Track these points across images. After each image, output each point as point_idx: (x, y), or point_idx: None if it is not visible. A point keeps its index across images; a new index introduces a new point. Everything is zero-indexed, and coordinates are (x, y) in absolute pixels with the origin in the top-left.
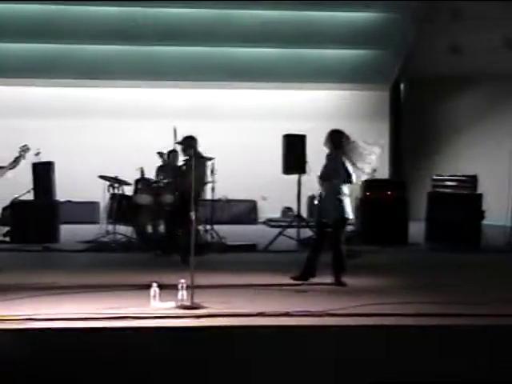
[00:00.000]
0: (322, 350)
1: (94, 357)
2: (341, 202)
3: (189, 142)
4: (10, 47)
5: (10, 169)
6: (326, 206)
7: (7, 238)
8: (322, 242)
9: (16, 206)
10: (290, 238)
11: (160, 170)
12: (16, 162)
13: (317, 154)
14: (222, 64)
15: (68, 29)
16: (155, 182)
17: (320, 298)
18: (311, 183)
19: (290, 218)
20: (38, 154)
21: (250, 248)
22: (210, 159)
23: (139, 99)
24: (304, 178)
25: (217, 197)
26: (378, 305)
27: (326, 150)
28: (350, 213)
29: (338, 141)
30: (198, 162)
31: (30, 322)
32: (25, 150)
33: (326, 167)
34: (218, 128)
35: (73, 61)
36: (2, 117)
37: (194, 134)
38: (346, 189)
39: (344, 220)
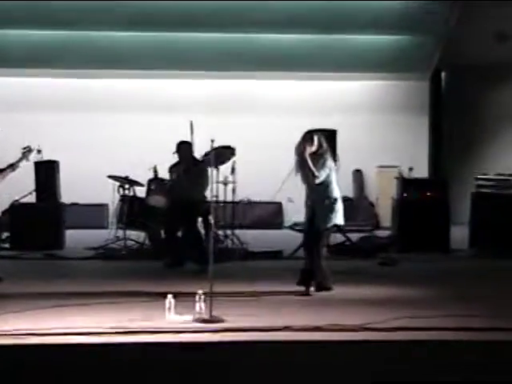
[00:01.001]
0: (357, 368)
1: (102, 376)
2: (332, 208)
3: (184, 148)
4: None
5: (11, 171)
6: (318, 212)
7: (7, 245)
8: (312, 244)
9: (16, 209)
10: None
11: (174, 168)
12: (17, 163)
13: (349, 151)
14: (245, 52)
15: (76, 14)
16: (170, 182)
17: (353, 311)
18: (342, 183)
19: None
20: (39, 151)
21: (275, 255)
22: (231, 150)
23: (153, 91)
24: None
25: (238, 199)
26: (417, 318)
27: (358, 147)
28: (341, 218)
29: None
30: (195, 169)
31: (31, 337)
32: (28, 151)
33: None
34: (240, 123)
35: (80, 49)
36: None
37: (187, 140)
38: (338, 191)
39: (333, 227)
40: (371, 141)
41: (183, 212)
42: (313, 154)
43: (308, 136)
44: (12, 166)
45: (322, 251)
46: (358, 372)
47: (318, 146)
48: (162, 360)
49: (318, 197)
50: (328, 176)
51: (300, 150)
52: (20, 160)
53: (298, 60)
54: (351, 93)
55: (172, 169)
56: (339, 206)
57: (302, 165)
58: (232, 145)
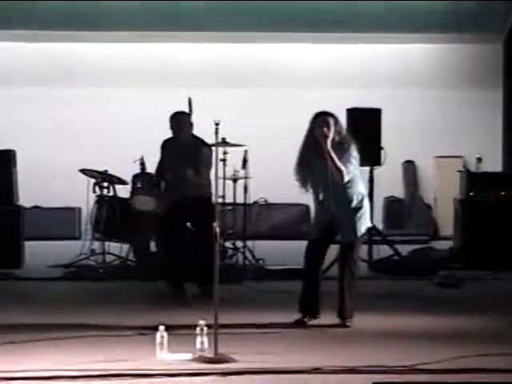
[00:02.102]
0: None
1: None
2: (362, 211)
3: (177, 120)
4: None
5: None
6: (344, 218)
7: None
8: (319, 266)
9: None
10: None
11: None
12: None
13: (397, 137)
14: (259, 8)
15: None
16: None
17: (399, 346)
18: (389, 179)
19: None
20: None
21: (299, 274)
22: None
23: (141, 57)
24: (378, 171)
25: (252, 200)
26: (486, 356)
27: (410, 131)
28: (368, 220)
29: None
30: (195, 148)
31: None
32: None
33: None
34: (253, 99)
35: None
36: None
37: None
38: (362, 184)
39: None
40: (427, 123)
41: (180, 213)
42: (333, 147)
43: (321, 119)
44: None
45: (356, 270)
46: None
47: (336, 131)
48: None
49: (342, 199)
50: (355, 167)
51: (311, 140)
52: None
53: (330, 18)
54: (400, 59)
55: (164, 146)
56: (367, 206)
57: (316, 160)
58: (243, 130)
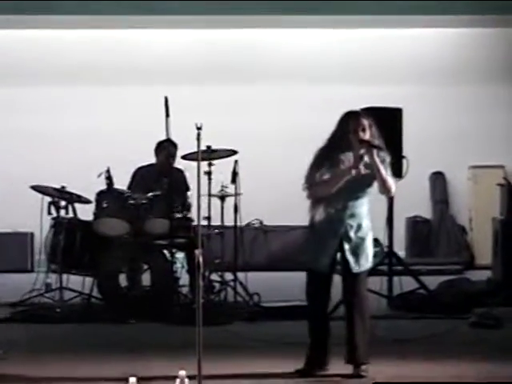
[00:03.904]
0: None
1: None
2: (370, 235)
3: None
4: None
5: None
6: (354, 245)
7: None
8: (326, 305)
9: None
10: (376, 293)
11: (142, 173)
12: None
13: (423, 142)
14: None
15: None
16: (132, 195)
17: None
18: (413, 194)
19: (375, 257)
20: None
21: (302, 312)
22: (228, 153)
23: (110, 46)
24: (400, 184)
25: (244, 221)
26: None
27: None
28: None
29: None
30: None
31: None
32: None
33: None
34: (247, 97)
35: None
36: None
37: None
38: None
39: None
40: (458, 125)
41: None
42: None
43: (355, 118)
44: None
45: (367, 306)
46: None
47: (371, 133)
48: None
49: (353, 220)
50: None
51: (341, 143)
52: None
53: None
54: (426, 47)
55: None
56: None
57: (340, 169)
58: (232, 135)
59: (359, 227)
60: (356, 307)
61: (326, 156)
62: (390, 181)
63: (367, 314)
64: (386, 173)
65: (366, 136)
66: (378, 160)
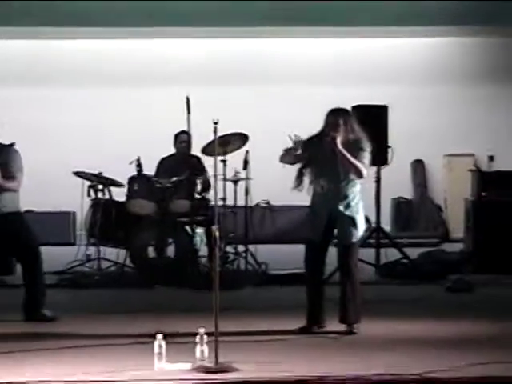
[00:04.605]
0: None
1: None
2: (359, 213)
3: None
4: None
5: None
6: (340, 220)
7: None
8: (322, 272)
9: None
10: (366, 262)
11: (167, 162)
12: None
13: (405, 135)
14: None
15: None
16: (158, 180)
17: (409, 354)
18: (396, 179)
19: (365, 232)
20: None
21: (302, 279)
22: (242, 139)
23: (136, 55)
24: (386, 170)
25: (253, 202)
26: (497, 364)
27: (419, 129)
28: (364, 222)
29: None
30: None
31: None
32: None
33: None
34: (255, 97)
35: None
36: None
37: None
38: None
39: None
40: (436, 120)
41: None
42: (346, 144)
43: (332, 115)
44: None
45: (357, 272)
46: None
47: (347, 130)
48: None
49: (341, 200)
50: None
51: (321, 136)
52: None
53: (332, 10)
54: (408, 53)
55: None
56: (362, 209)
57: (319, 156)
58: (244, 130)
59: (348, 205)
60: (347, 274)
61: (310, 142)
62: (360, 166)
63: (357, 280)
64: (353, 159)
65: (340, 129)
66: (341, 149)
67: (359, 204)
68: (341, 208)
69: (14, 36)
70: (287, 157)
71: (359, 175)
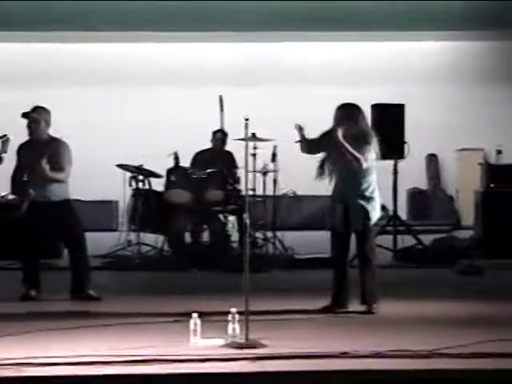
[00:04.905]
0: None
1: None
2: (372, 200)
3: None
4: None
5: None
6: (353, 207)
7: None
8: (344, 256)
9: (3, 207)
10: (384, 247)
11: (201, 155)
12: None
13: (420, 131)
14: (286, 8)
15: None
16: (194, 172)
17: (423, 332)
18: (412, 171)
19: (383, 220)
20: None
21: (327, 263)
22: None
23: (174, 57)
24: (402, 164)
25: (281, 192)
26: (506, 341)
27: (433, 126)
28: (379, 209)
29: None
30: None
31: (24, 368)
32: (5, 140)
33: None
34: (282, 96)
35: (83, 6)
36: None
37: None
38: (375, 175)
39: (373, 223)
40: (449, 117)
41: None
42: (350, 137)
43: (338, 111)
44: None
45: (373, 257)
46: None
47: (353, 123)
48: None
49: (355, 189)
50: (371, 161)
51: (330, 130)
52: (2, 150)
53: (352, 15)
54: (423, 56)
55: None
56: (378, 198)
57: (330, 149)
58: (271, 124)
59: (362, 194)
60: (364, 259)
61: (326, 135)
62: (359, 157)
63: (373, 264)
64: (352, 150)
65: (344, 123)
66: (341, 140)
67: (374, 192)
68: (354, 196)
69: (80, 40)
70: (301, 147)
71: (358, 165)
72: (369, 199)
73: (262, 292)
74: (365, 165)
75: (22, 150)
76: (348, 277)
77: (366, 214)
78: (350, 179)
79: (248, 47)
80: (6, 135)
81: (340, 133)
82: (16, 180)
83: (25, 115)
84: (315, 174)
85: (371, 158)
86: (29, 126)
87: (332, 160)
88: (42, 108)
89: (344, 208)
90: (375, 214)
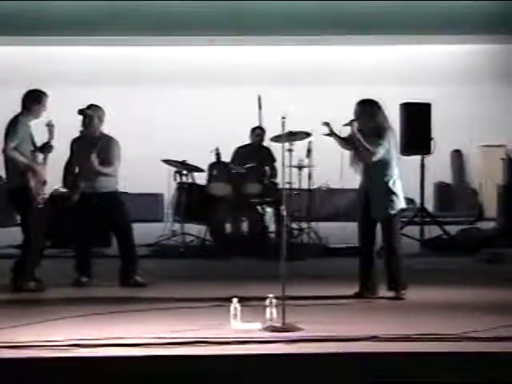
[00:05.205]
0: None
1: None
2: (393, 192)
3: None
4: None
5: (48, 152)
6: (375, 198)
7: (47, 242)
8: (371, 244)
9: (56, 199)
10: (411, 237)
11: (241, 151)
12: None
13: (446, 128)
14: (321, 14)
15: None
16: (234, 166)
17: (450, 317)
18: (438, 166)
19: (411, 211)
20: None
21: (357, 251)
22: (307, 135)
23: (215, 60)
24: (429, 159)
25: (315, 186)
26: None
27: (458, 123)
28: (403, 201)
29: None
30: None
31: (73, 349)
32: (51, 126)
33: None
34: (316, 95)
35: (132, 12)
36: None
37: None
38: (396, 169)
39: (398, 214)
40: (473, 115)
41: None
42: (367, 130)
43: (356, 108)
44: (49, 147)
45: (398, 246)
46: None
47: (368, 118)
48: (226, 374)
49: (376, 180)
50: (387, 152)
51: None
52: (51, 137)
53: (381, 20)
54: (449, 58)
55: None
56: (400, 189)
57: (352, 142)
58: (307, 127)
59: (383, 185)
60: (389, 247)
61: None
62: (371, 149)
63: (398, 252)
64: (364, 143)
65: (358, 116)
66: (356, 133)
67: (396, 184)
68: (376, 188)
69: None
70: (338, 143)
71: (369, 158)
72: (390, 191)
73: (298, 279)
74: (376, 157)
75: (75, 144)
76: (375, 264)
77: (386, 205)
78: (371, 172)
79: (286, 50)
80: (50, 120)
81: (355, 126)
82: (68, 172)
83: (81, 112)
84: (350, 166)
85: (387, 151)
86: (83, 122)
87: (354, 154)
88: (96, 106)
89: (366, 199)
90: (396, 205)
